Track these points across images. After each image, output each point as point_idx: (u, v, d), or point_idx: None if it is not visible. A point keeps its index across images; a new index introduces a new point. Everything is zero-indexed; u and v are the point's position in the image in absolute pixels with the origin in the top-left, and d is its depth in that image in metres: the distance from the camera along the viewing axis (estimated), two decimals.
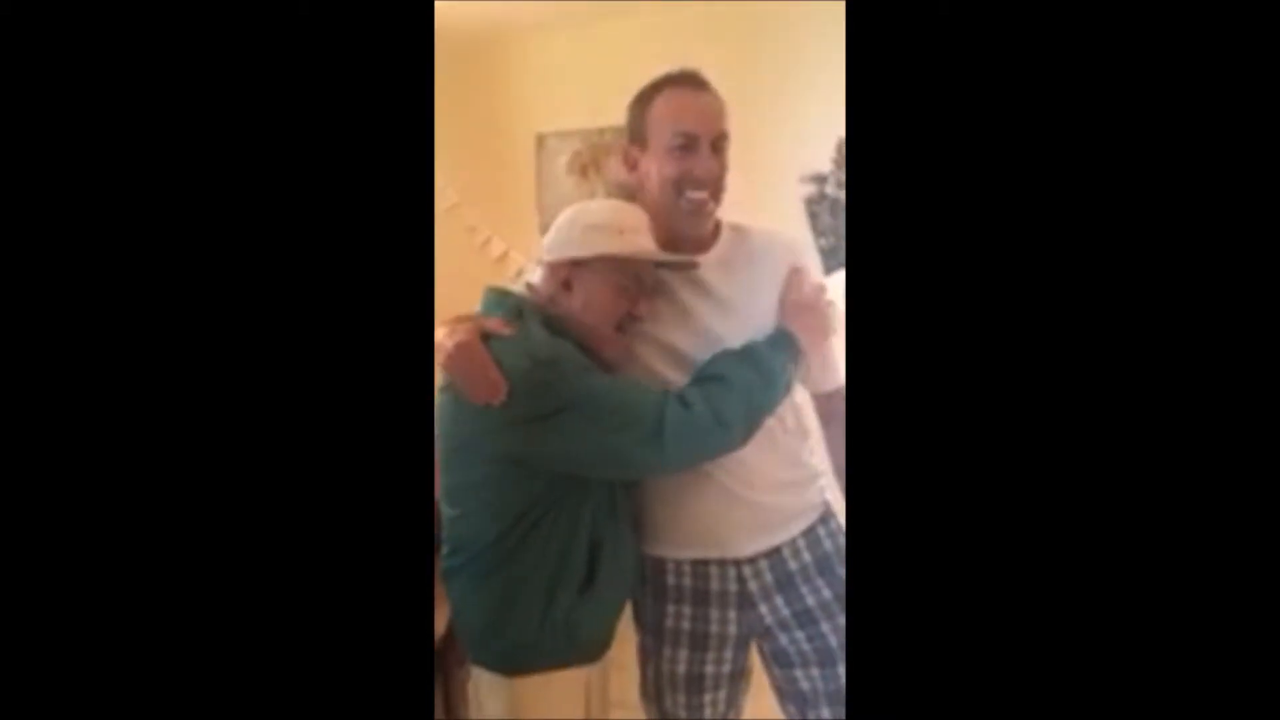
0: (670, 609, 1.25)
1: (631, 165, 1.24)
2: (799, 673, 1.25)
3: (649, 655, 1.31)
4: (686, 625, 1.24)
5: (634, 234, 1.12)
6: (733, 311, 1.21)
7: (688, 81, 1.20)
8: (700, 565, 1.23)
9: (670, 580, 1.25)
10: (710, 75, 3.24)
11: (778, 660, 1.28)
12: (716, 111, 1.20)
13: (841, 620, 1.23)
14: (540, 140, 3.41)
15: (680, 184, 1.16)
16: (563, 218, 1.15)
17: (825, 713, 1.25)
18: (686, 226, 1.21)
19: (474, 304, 1.19)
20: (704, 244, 1.25)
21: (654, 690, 1.31)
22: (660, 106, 1.18)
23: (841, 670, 1.23)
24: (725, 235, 1.27)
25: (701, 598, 1.24)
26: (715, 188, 1.19)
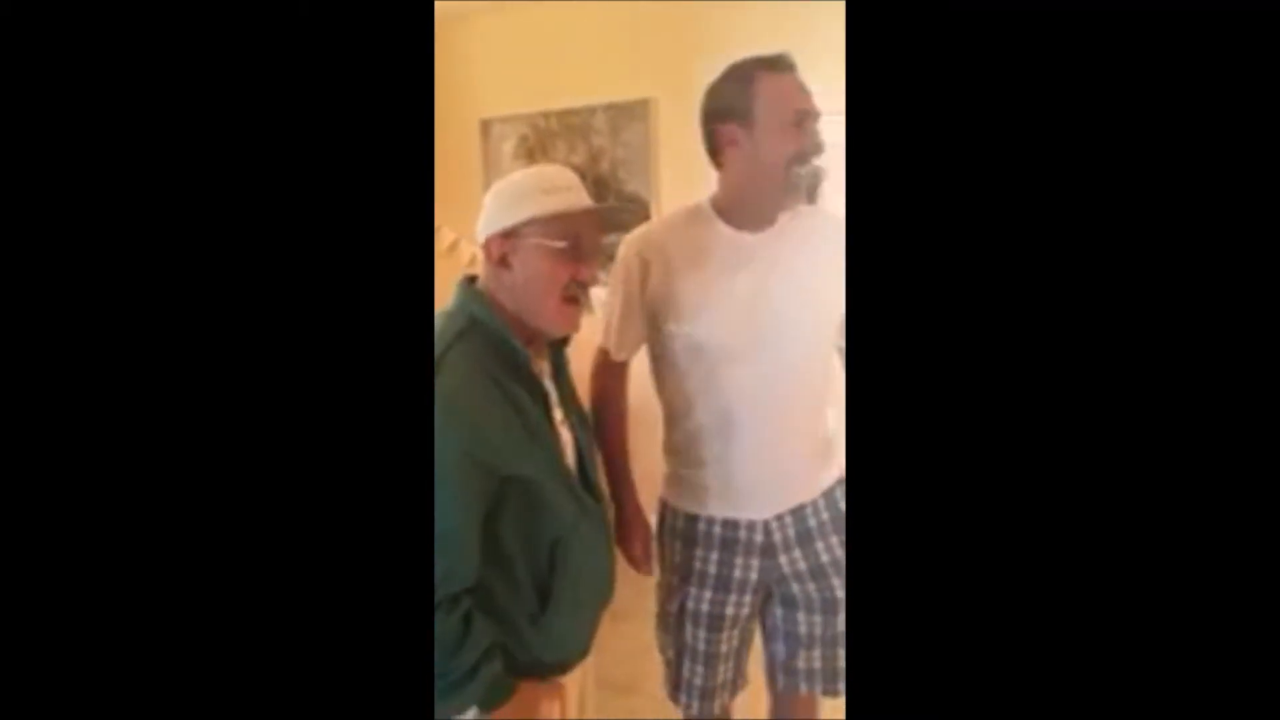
0: (699, 553, 1.36)
1: (731, 141, 1.25)
2: (801, 615, 1.37)
3: (673, 593, 1.40)
4: (713, 569, 1.35)
5: (561, 192, 1.04)
6: (794, 286, 1.26)
7: (787, 65, 1.24)
8: (731, 520, 1.33)
9: (701, 529, 1.35)
10: (660, 59, 3.19)
11: (785, 603, 1.38)
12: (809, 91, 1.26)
13: None
14: (485, 126, 3.37)
15: (795, 159, 1.21)
16: (489, 194, 1.07)
17: (817, 654, 1.38)
18: (793, 199, 1.25)
19: None
20: (771, 218, 1.31)
21: (675, 624, 1.40)
22: (770, 86, 1.21)
23: (840, 619, 1.36)
24: (788, 211, 1.33)
25: (730, 546, 1.34)
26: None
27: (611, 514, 1.22)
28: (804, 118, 1.21)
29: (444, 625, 0.91)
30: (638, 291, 1.31)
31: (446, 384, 0.92)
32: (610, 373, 1.41)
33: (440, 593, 0.91)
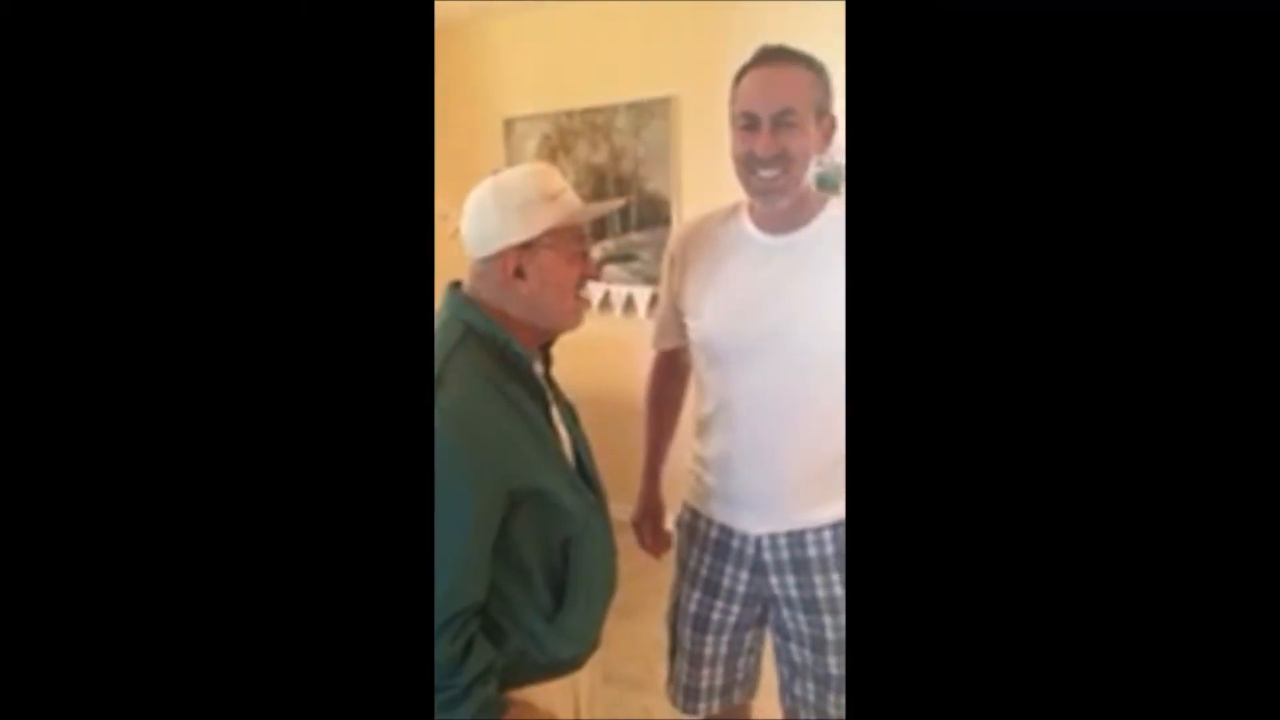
0: (694, 552, 1.37)
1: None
2: (793, 646, 1.34)
3: (674, 587, 1.43)
4: (704, 572, 1.36)
5: (564, 194, 1.03)
6: (813, 294, 1.17)
7: (768, 58, 1.15)
8: (726, 526, 1.32)
9: (701, 528, 1.36)
10: (681, 57, 3.15)
11: (777, 629, 1.37)
12: (786, 87, 1.12)
13: (843, 619, 1.25)
14: (508, 125, 3.39)
15: (748, 163, 1.14)
16: (480, 205, 1.02)
17: (810, 687, 1.34)
18: (761, 204, 1.19)
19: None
20: (802, 220, 1.21)
21: (672, 619, 1.43)
22: (739, 87, 1.16)
23: (830, 660, 1.29)
24: (826, 214, 1.21)
25: (721, 552, 1.34)
26: (785, 165, 1.12)
27: (610, 506, 1.21)
28: (751, 120, 1.11)
29: (447, 650, 0.92)
30: (667, 284, 1.35)
31: (452, 399, 0.91)
32: (659, 364, 1.50)
33: (444, 614, 0.91)
